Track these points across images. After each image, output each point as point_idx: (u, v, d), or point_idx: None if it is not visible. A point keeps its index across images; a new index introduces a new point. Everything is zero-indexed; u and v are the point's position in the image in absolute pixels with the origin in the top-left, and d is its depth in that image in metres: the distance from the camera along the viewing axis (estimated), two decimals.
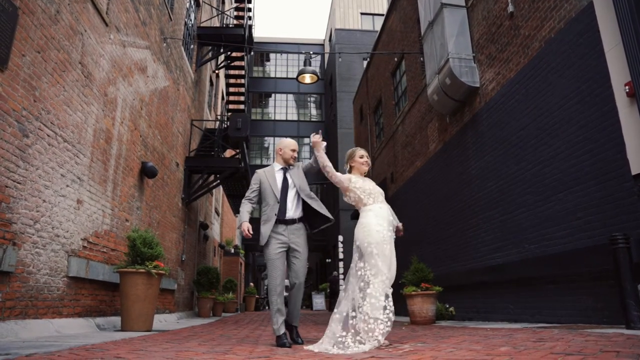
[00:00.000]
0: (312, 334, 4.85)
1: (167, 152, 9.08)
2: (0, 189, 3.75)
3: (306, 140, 26.95)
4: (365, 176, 3.75)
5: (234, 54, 13.85)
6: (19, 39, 3.99)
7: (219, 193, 17.77)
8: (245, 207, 3.81)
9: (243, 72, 14.33)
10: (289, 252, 3.70)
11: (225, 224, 20.10)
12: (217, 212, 17.36)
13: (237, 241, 22.23)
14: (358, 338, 3.13)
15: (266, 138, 26.64)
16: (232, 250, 19.75)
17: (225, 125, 12.24)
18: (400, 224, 3.65)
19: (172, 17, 9.43)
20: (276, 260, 3.62)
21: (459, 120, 8.42)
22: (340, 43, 23.95)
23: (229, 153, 14.41)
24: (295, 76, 12.58)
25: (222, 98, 18.45)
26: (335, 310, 3.36)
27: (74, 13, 5.03)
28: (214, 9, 14.24)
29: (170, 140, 9.39)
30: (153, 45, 8.04)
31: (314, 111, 28.20)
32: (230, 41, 12.10)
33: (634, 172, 4.31)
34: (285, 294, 3.75)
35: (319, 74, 12.73)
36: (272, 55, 28.23)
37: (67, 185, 4.94)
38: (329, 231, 22.80)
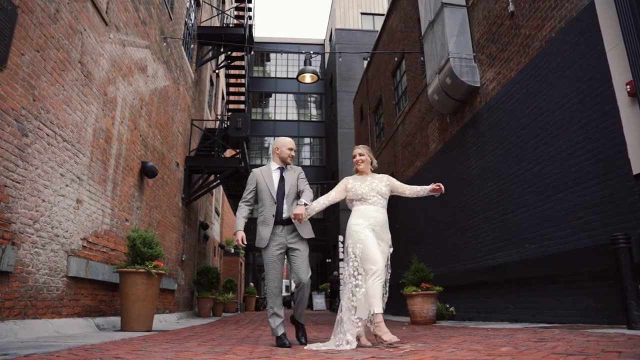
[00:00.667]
0: (312, 334, 4.84)
1: (167, 151, 9.07)
2: None
3: (306, 140, 26.94)
4: (373, 171, 3.78)
5: (234, 54, 13.84)
6: (18, 38, 3.98)
7: (219, 193, 17.76)
8: (242, 213, 3.73)
9: (243, 72, 14.32)
10: (288, 252, 3.64)
11: (225, 224, 20.09)
12: (217, 212, 17.35)
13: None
14: (346, 337, 3.28)
15: (266, 138, 26.61)
16: (232, 250, 19.74)
17: (226, 125, 12.23)
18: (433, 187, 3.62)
19: (172, 16, 9.42)
20: (274, 262, 3.57)
21: (459, 120, 8.40)
22: (341, 43, 23.94)
23: (229, 153, 14.40)
24: (295, 76, 12.56)
25: (222, 98, 18.44)
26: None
27: (73, 12, 5.02)
28: (214, 9, 14.23)
29: (170, 140, 9.38)
30: (153, 44, 8.03)
31: (314, 111, 28.19)
32: (231, 41, 12.09)
33: (635, 171, 4.30)
34: (286, 293, 3.73)
35: (319, 73, 12.72)
36: (272, 55, 28.21)
37: (67, 185, 4.92)
38: (329, 231, 22.79)
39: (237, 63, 14.77)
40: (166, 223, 9.01)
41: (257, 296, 22.43)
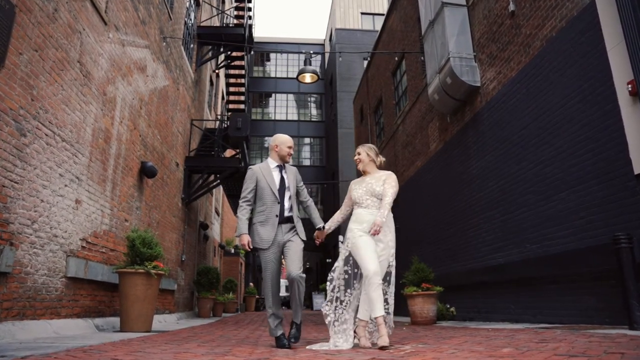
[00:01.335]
0: (312, 334, 4.82)
1: (166, 151, 9.05)
2: None
3: (306, 140, 26.90)
4: (379, 168, 3.78)
5: (234, 54, 13.82)
6: (16, 37, 3.95)
7: (219, 193, 17.74)
8: (244, 213, 3.58)
9: (243, 72, 14.30)
10: (283, 247, 3.55)
11: (225, 224, 20.07)
12: (217, 212, 17.33)
13: (237, 242, 22.22)
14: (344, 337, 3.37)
15: (266, 138, 26.55)
16: (232, 250, 19.72)
17: (225, 125, 12.21)
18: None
19: (172, 16, 9.40)
20: (273, 262, 3.52)
21: (459, 120, 8.38)
22: (341, 43, 23.91)
23: (229, 153, 14.38)
24: (295, 76, 12.55)
25: (222, 98, 18.42)
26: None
27: (72, 11, 5.00)
28: (214, 9, 14.21)
29: (170, 140, 9.36)
30: (152, 44, 8.01)
31: (314, 111, 28.15)
32: (230, 41, 12.07)
33: (636, 171, 4.28)
34: (286, 294, 3.71)
35: (319, 73, 12.70)
36: (272, 55, 28.18)
37: (66, 185, 4.90)
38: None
39: (237, 63, 14.75)
40: (166, 223, 9.00)
41: (257, 296, 22.41)
